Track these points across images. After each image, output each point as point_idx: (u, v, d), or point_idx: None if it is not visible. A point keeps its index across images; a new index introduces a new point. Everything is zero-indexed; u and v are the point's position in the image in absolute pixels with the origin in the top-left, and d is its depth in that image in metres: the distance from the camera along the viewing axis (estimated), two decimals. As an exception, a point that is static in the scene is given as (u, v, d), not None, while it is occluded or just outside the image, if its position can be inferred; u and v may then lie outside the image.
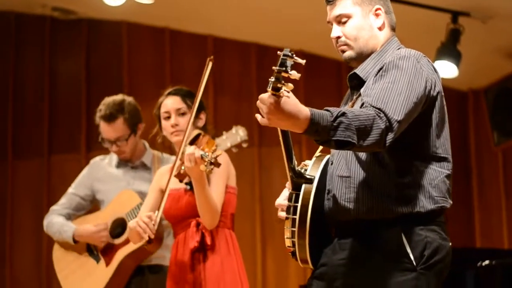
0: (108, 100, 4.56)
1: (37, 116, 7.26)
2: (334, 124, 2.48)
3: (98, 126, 4.58)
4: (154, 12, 6.83)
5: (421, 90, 2.67)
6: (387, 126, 2.55)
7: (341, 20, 2.89)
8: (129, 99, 4.60)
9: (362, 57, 2.89)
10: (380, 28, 2.90)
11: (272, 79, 2.43)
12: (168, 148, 4.21)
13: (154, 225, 3.81)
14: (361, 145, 2.52)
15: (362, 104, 2.66)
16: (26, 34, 7.40)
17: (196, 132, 3.89)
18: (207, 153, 3.59)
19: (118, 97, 4.59)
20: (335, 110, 2.51)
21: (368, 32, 2.88)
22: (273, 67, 2.42)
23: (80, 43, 7.34)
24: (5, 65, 7.32)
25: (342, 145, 2.51)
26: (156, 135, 4.13)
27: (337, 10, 2.89)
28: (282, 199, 2.89)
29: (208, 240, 3.85)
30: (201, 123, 4.03)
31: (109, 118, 4.49)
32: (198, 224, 3.88)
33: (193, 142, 3.81)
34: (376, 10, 2.89)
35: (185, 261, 3.87)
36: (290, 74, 2.43)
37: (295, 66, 2.45)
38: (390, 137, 2.56)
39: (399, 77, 2.66)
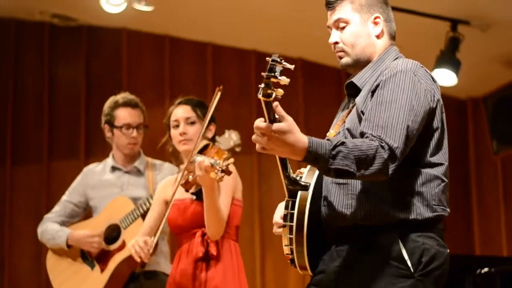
0: (121, 95, 4.70)
1: (37, 123, 7.25)
2: (333, 153, 2.51)
3: (107, 122, 4.65)
4: (154, 19, 6.83)
5: (420, 105, 2.68)
6: (389, 156, 2.57)
7: (339, 25, 2.90)
8: None
9: (358, 64, 2.90)
10: (378, 36, 2.91)
11: (262, 85, 2.44)
12: (177, 157, 4.22)
13: (149, 250, 3.88)
14: (362, 174, 2.54)
15: (363, 133, 2.65)
16: (25, 41, 7.40)
17: (205, 142, 3.91)
18: (218, 161, 3.60)
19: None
20: (335, 140, 2.54)
21: (366, 40, 2.89)
22: (262, 73, 2.43)
23: (80, 50, 7.34)
24: (5, 71, 7.31)
25: (341, 174, 2.53)
26: (165, 144, 4.14)
27: (336, 15, 2.91)
28: (278, 216, 2.89)
29: (213, 251, 3.86)
30: (210, 134, 4.05)
31: (134, 104, 4.66)
32: (203, 235, 3.89)
33: (201, 152, 3.81)
34: (375, 18, 2.90)
35: (188, 271, 3.88)
36: (280, 79, 2.43)
37: (285, 72, 2.45)
38: (392, 166, 2.58)
39: (397, 95, 2.67)
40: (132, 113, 4.63)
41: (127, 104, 4.63)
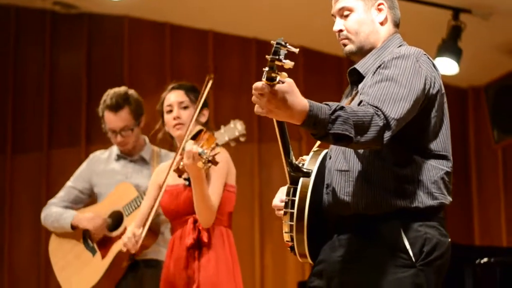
0: (112, 91, 4.61)
1: (37, 110, 7.25)
2: (332, 117, 2.47)
3: (101, 118, 4.61)
4: (155, 7, 6.83)
5: (419, 89, 2.67)
6: (384, 124, 2.55)
7: (343, 13, 2.90)
8: (132, 91, 4.65)
9: (362, 51, 2.89)
10: (382, 23, 2.91)
11: (266, 68, 2.41)
12: (169, 144, 4.22)
13: (136, 241, 3.94)
14: (358, 141, 2.51)
15: (360, 102, 2.66)
16: (26, 28, 7.40)
17: (198, 128, 3.90)
18: (205, 151, 3.59)
19: (122, 88, 4.63)
20: (333, 104, 2.51)
21: (369, 27, 2.89)
22: (267, 56, 2.40)
23: (81, 38, 7.33)
24: (5, 59, 7.32)
25: (339, 139, 2.50)
26: (158, 131, 4.15)
27: (340, 3, 2.91)
28: (278, 200, 2.89)
29: (205, 238, 3.85)
30: (203, 119, 4.04)
31: (116, 107, 4.52)
32: (195, 221, 3.89)
33: (194, 137, 3.81)
34: (378, 5, 2.90)
35: (181, 258, 3.88)
36: (284, 63, 2.41)
37: (289, 55, 2.43)
38: (387, 135, 2.56)
39: (398, 76, 2.66)
40: (114, 119, 4.52)
41: (108, 108, 4.52)
